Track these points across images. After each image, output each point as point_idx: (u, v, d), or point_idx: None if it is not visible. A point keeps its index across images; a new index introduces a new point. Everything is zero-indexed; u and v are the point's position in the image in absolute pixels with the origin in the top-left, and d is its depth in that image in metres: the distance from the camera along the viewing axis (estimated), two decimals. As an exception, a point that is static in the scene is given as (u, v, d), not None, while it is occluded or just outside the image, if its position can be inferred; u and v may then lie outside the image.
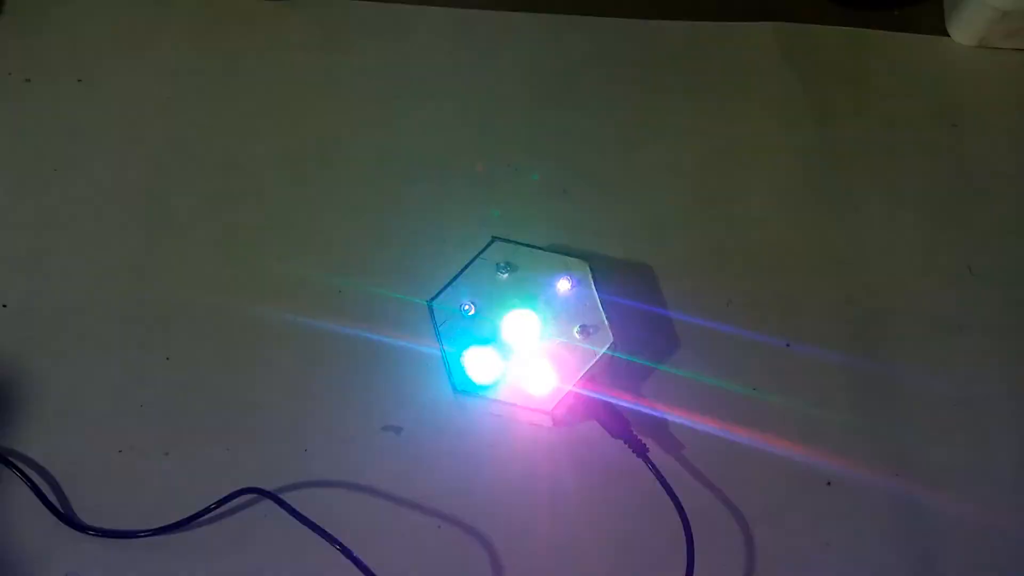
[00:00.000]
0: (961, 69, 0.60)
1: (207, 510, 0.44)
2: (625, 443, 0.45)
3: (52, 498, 0.45)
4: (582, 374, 0.45)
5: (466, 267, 0.48)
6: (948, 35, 0.62)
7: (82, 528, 0.45)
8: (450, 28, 0.61)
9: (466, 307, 0.47)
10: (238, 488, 0.45)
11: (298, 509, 0.43)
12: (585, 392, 0.46)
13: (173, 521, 0.44)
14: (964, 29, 0.61)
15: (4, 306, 0.51)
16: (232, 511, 0.45)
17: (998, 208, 0.55)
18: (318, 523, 0.42)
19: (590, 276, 0.48)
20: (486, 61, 0.60)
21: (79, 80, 0.58)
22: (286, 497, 0.45)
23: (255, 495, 0.45)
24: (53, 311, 0.51)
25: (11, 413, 0.48)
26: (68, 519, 0.45)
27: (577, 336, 0.46)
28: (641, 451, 0.44)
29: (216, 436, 0.47)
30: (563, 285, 0.47)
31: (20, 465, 0.46)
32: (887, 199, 0.55)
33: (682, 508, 0.43)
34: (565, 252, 0.49)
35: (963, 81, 0.60)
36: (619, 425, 0.45)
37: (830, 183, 0.56)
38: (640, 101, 0.59)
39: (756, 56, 0.61)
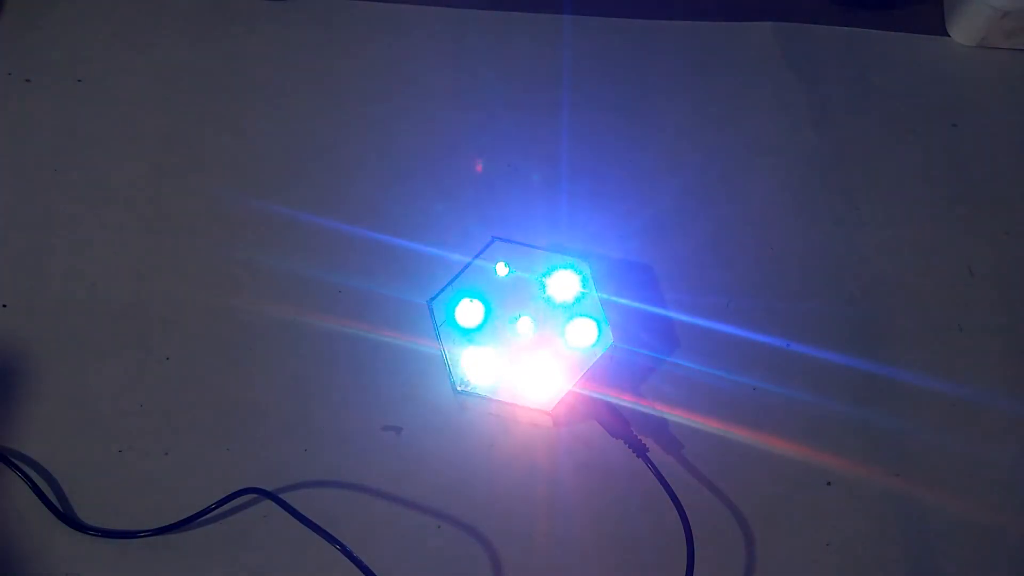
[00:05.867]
0: (961, 69, 0.60)
1: (207, 510, 0.44)
2: (625, 443, 0.45)
3: (52, 497, 0.45)
4: (582, 374, 0.45)
5: (466, 267, 0.48)
6: (948, 35, 0.62)
7: (82, 528, 0.45)
8: (450, 28, 0.61)
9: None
10: (238, 488, 0.45)
11: (299, 509, 0.43)
12: (585, 392, 0.46)
13: (173, 521, 0.44)
14: (964, 29, 0.61)
15: (4, 306, 0.51)
16: (232, 511, 0.45)
17: (998, 208, 0.55)
18: (318, 523, 0.42)
19: (590, 276, 0.48)
20: (486, 61, 0.60)
21: (79, 80, 0.58)
22: (286, 497, 0.45)
23: (255, 495, 0.45)
24: (53, 311, 0.51)
25: (11, 412, 0.48)
26: (68, 519, 0.45)
27: (577, 336, 0.46)
28: (641, 451, 0.44)
29: (216, 436, 0.47)
30: (561, 281, 0.48)
31: (20, 464, 0.46)
32: (887, 199, 0.55)
33: (682, 508, 0.43)
34: (565, 252, 0.49)
35: (963, 81, 0.60)
36: (619, 425, 0.45)
37: (830, 183, 0.56)
38: (640, 101, 0.59)
39: (756, 56, 0.61)
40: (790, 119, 0.58)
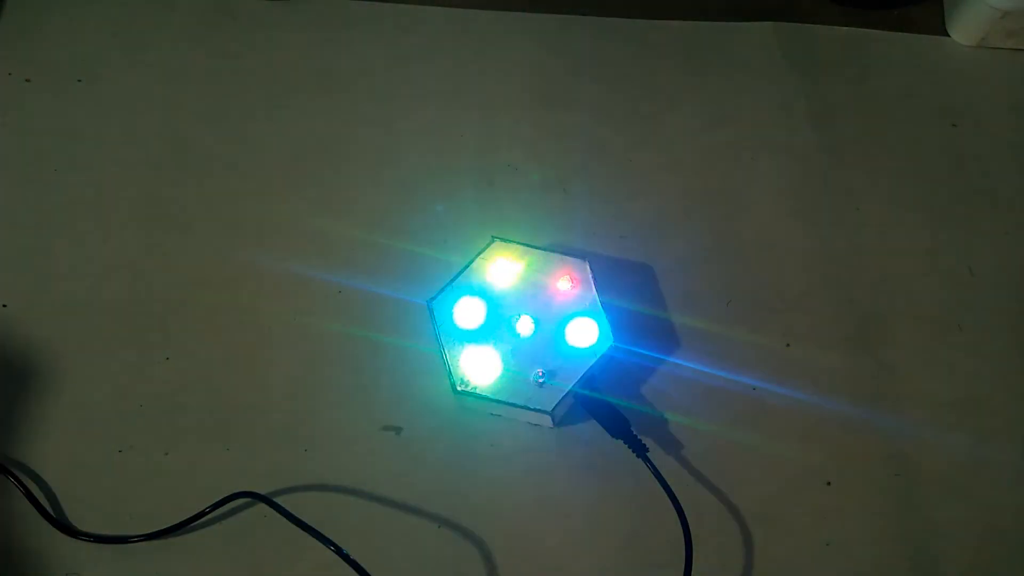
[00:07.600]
0: (961, 69, 0.60)
1: (201, 514, 0.44)
2: (625, 443, 0.45)
3: (45, 502, 0.45)
4: (582, 374, 0.45)
5: (466, 267, 0.48)
6: (948, 35, 0.62)
7: (74, 533, 0.44)
8: (450, 28, 0.61)
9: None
10: (236, 491, 0.44)
11: (298, 510, 0.43)
12: (585, 392, 0.46)
13: (172, 523, 0.44)
14: (964, 29, 0.61)
15: (4, 306, 0.51)
16: (228, 514, 0.45)
17: (998, 208, 0.55)
18: (318, 524, 0.42)
19: (590, 276, 0.48)
20: (486, 61, 0.60)
21: (79, 80, 0.58)
22: (285, 498, 0.45)
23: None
24: (53, 311, 0.51)
25: (11, 413, 0.48)
26: (60, 523, 0.45)
27: (576, 336, 0.46)
28: (641, 451, 0.44)
29: (216, 436, 0.47)
30: (563, 285, 0.48)
31: (17, 467, 0.46)
32: (887, 199, 0.55)
33: (681, 508, 0.43)
34: (565, 252, 0.49)
35: (963, 81, 0.60)
36: (619, 425, 0.45)
37: (830, 183, 0.56)
38: (640, 101, 0.59)
39: (756, 56, 0.61)
40: (790, 119, 0.58)
